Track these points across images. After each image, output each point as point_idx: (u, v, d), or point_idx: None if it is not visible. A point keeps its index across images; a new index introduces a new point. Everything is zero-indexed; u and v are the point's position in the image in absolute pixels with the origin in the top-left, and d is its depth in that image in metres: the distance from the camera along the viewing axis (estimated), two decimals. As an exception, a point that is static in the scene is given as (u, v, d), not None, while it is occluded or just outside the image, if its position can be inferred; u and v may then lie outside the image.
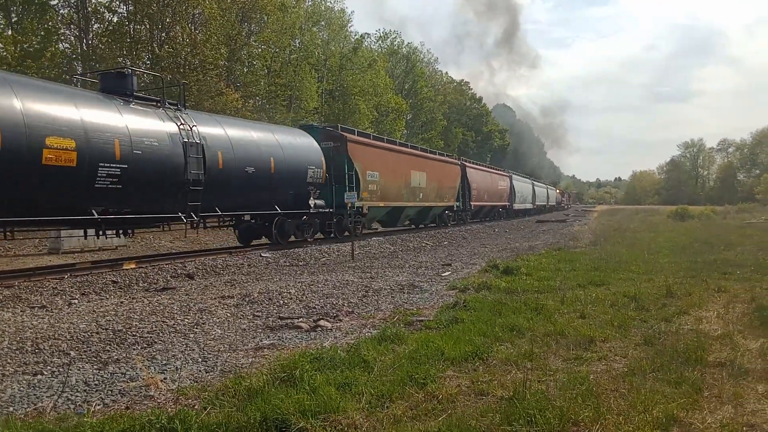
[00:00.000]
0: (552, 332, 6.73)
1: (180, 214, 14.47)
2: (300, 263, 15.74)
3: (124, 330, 7.21)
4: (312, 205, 19.35)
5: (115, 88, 13.99)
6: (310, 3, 47.89)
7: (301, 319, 7.91)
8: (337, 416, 4.21)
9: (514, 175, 53.21)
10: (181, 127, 14.40)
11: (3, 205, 10.78)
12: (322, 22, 48.31)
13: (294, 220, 19.07)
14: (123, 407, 4.63)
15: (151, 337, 6.92)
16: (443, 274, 12.60)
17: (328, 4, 49.22)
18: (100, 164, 12.00)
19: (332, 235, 21.09)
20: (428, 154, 32.48)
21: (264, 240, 18.93)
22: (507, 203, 47.85)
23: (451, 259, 16.03)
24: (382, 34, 63.70)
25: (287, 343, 6.64)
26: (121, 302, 9.42)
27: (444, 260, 15.60)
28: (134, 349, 6.41)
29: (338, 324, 7.70)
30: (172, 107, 14.93)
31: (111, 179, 12.25)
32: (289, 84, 39.53)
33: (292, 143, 18.92)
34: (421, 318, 7.80)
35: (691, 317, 7.71)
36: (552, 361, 5.71)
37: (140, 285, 11.74)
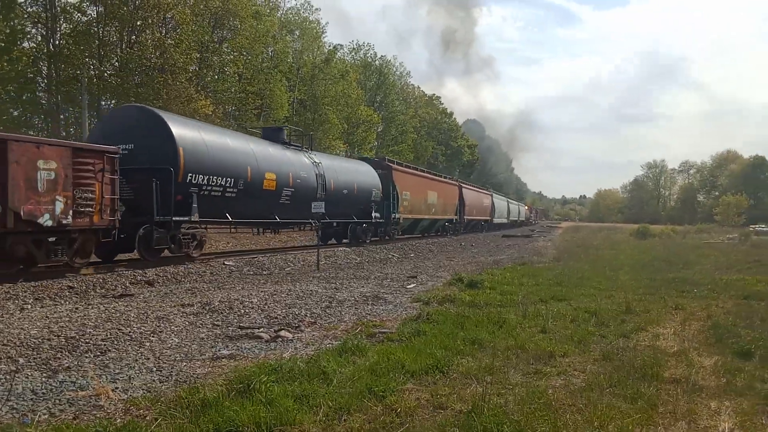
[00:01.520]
0: (513, 346, 6.76)
1: (311, 221, 21.32)
2: (264, 272, 15.56)
3: (77, 337, 6.99)
4: (374, 217, 26.57)
5: (274, 137, 21.09)
6: (284, 12, 47.86)
7: (262, 329, 7.79)
8: (293, 429, 4.14)
9: (494, 194, 62.15)
10: (314, 163, 21.74)
11: (249, 213, 18.02)
12: (296, 32, 48.24)
13: (362, 227, 25.96)
14: (70, 417, 4.47)
15: (105, 344, 6.72)
16: (408, 287, 12.59)
17: (302, 14, 49.22)
18: (284, 188, 19.30)
19: (386, 237, 28.94)
20: (439, 177, 40.83)
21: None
22: (489, 217, 55.15)
23: (417, 271, 16.04)
24: (355, 46, 63.97)
25: (246, 354, 6.52)
26: (76, 308, 9.15)
27: (410, 272, 15.60)
28: (86, 357, 6.21)
29: (299, 335, 7.60)
30: (306, 149, 22.72)
31: (287, 197, 19.50)
32: (261, 92, 39.29)
33: (363, 172, 26.52)
34: (383, 330, 7.75)
35: (649, 334, 7.83)
36: (512, 375, 5.72)
37: (97, 291, 11.43)
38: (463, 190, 44.61)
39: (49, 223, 11.88)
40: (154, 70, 31.88)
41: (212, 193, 16.04)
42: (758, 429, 4.40)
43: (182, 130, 15.40)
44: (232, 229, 20.36)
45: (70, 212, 12.34)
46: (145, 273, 13.51)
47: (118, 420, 4.32)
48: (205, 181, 15.72)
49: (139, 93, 31.21)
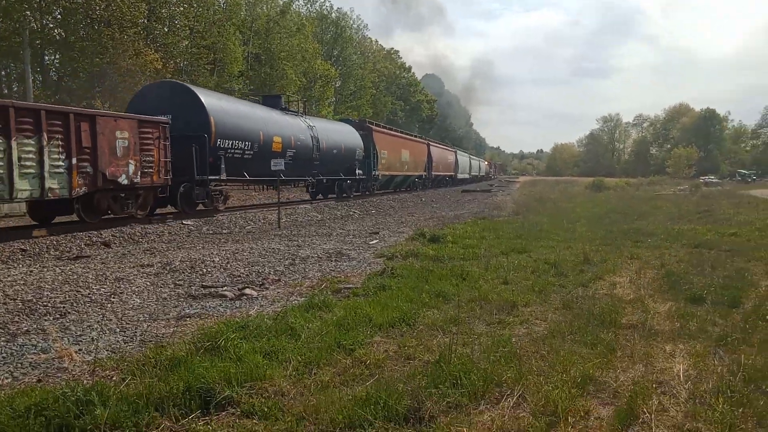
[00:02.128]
0: (476, 298, 6.89)
1: (308, 178, 25.25)
2: (224, 231, 15.38)
3: (34, 300, 6.81)
4: (357, 174, 29.78)
5: (274, 104, 23.60)
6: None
7: (226, 287, 7.73)
8: (264, 384, 4.14)
9: (458, 151, 65.37)
10: (308, 126, 24.39)
11: (259, 172, 20.17)
12: (249, -17, 46.62)
13: (347, 183, 28.97)
14: (34, 380, 4.39)
15: (64, 307, 6.57)
16: (371, 243, 12.63)
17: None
18: (288, 150, 22.06)
19: (367, 192, 31.83)
20: (411, 137, 43.68)
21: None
22: (453, 173, 58.03)
23: (379, 227, 16.09)
24: (310, -2, 62.24)
25: (211, 312, 6.47)
26: (31, 271, 8.90)
27: (372, 229, 15.65)
28: (46, 320, 6.07)
29: (264, 292, 7.57)
30: (302, 114, 25.58)
31: (290, 158, 22.08)
32: (213, 46, 38.05)
33: (348, 133, 29.26)
34: (348, 285, 7.79)
35: (606, 282, 8.08)
36: (476, 326, 5.85)
37: (51, 253, 11.13)
38: (431, 148, 47.40)
39: (125, 182, 14.84)
40: (100, 23, 30.47)
41: (234, 155, 18.90)
42: (710, 369, 4.61)
43: (212, 102, 18.28)
44: (245, 186, 25.16)
45: (139, 173, 15.23)
46: (101, 234, 13.19)
47: (85, 381, 4.25)
48: (230, 145, 18.59)
49: (84, 47, 29.88)
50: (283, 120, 22.78)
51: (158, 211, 17.60)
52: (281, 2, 49.61)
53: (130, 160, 14.84)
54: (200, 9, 37.66)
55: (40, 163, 12.38)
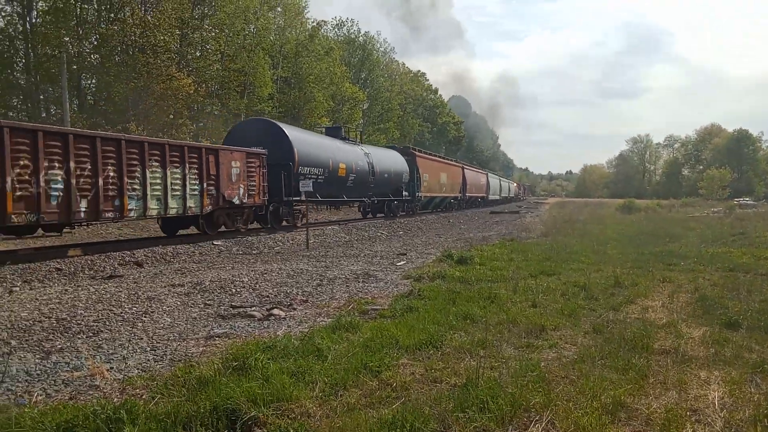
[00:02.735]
0: (504, 320, 6.82)
1: (365, 199, 28.85)
2: (253, 251, 15.53)
3: (68, 318, 6.96)
4: (404, 195, 33.11)
5: (336, 134, 27.73)
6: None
7: (254, 307, 7.79)
8: (290, 404, 4.15)
9: (489, 173, 69.58)
10: (364, 153, 28.10)
11: (329, 193, 24.05)
12: (278, 8, 47.52)
13: (394, 203, 32.25)
14: (66, 397, 4.47)
15: (97, 325, 6.69)
16: (398, 264, 12.63)
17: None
18: (350, 174, 25.56)
19: (410, 212, 34.69)
20: (448, 161, 48.56)
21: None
22: (485, 194, 61.01)
23: (406, 248, 16.08)
24: (338, 22, 63.28)
25: (239, 332, 6.53)
26: (66, 290, 9.10)
27: (399, 250, 15.64)
28: (79, 338, 6.19)
29: (292, 313, 7.61)
30: (358, 143, 30.63)
31: (351, 181, 25.85)
32: (243, 70, 38.80)
33: (395, 158, 32.72)
34: (375, 307, 7.79)
35: (638, 306, 7.93)
36: (504, 349, 5.78)
37: (86, 272, 11.37)
38: (465, 171, 50.82)
39: (237, 201, 18.43)
40: (134, 48, 31.34)
41: (308, 178, 21.13)
42: (746, 397, 4.48)
43: (294, 135, 22.13)
44: (315, 207, 29.12)
45: (246, 195, 18.86)
46: (134, 254, 13.43)
47: (115, 399, 4.31)
48: (308, 171, 22.07)
49: (119, 72, 30.72)
50: (345, 148, 26.58)
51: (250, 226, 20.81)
52: (310, 27, 50.46)
53: (240, 185, 18.49)
54: (231, 34, 38.50)
55: (183, 187, 15.91)
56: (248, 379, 4.57)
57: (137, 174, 14.38)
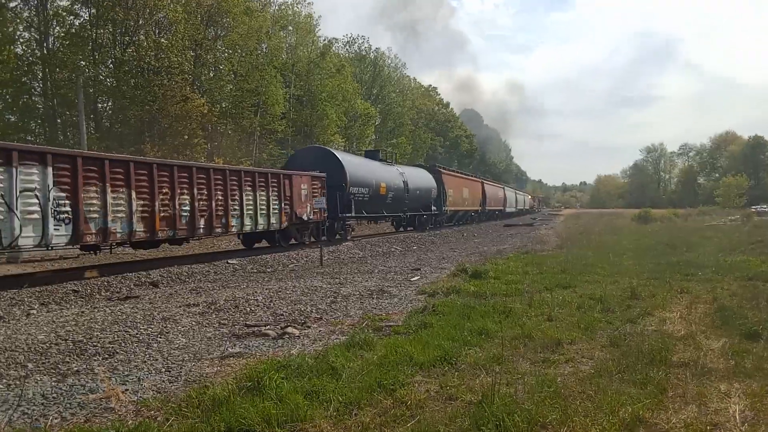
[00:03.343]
0: (520, 335, 6.76)
1: (401, 214, 31.08)
2: (267, 270, 15.57)
3: (84, 340, 7.00)
4: (432, 210, 35.47)
5: (374, 156, 31.11)
6: (276, 7, 47.66)
7: (269, 326, 7.79)
8: (305, 425, 4.14)
9: (505, 187, 71.97)
10: (399, 172, 30.76)
11: (373, 210, 26.67)
12: (290, 27, 48.06)
13: (424, 217, 34.65)
14: (82, 420, 4.48)
15: (112, 347, 6.73)
16: (412, 279, 12.59)
17: (295, 8, 49.02)
18: (389, 192, 28.18)
19: (437, 225, 36.78)
20: (469, 176, 50.62)
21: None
22: (502, 207, 62.57)
23: (420, 263, 16.04)
24: (349, 39, 63.81)
25: (254, 351, 6.53)
26: (82, 312, 9.16)
27: (413, 265, 15.60)
28: (95, 360, 6.22)
29: (306, 331, 7.60)
30: (393, 163, 32.76)
31: (390, 199, 28.50)
32: (256, 89, 39.21)
33: (424, 175, 35.31)
34: (390, 323, 7.76)
35: (655, 318, 7.83)
36: (520, 364, 5.73)
37: (102, 294, 11.45)
38: (485, 185, 53.58)
39: (305, 218, 21.21)
40: (149, 71, 31.81)
41: (358, 198, 25.05)
42: (769, 410, 4.39)
43: (346, 159, 25.29)
44: (360, 222, 31.86)
45: (312, 213, 21.68)
46: (149, 275, 13.53)
47: (130, 421, 4.33)
48: (357, 191, 24.89)
49: (135, 95, 31.16)
50: (383, 169, 29.57)
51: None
52: (321, 45, 50.92)
53: (307, 204, 21.35)
54: (243, 54, 38.96)
55: (267, 207, 18.77)
56: (262, 399, 4.57)
57: (237, 197, 17.34)
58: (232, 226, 17.05)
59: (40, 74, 32.96)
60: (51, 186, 11.47)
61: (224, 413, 4.25)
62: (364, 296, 10.22)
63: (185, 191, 15.17)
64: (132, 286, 12.34)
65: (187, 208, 15.21)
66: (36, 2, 31.72)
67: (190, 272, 14.23)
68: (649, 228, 34.94)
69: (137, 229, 13.61)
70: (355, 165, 25.83)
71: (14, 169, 10.76)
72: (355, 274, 13.73)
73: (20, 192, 10.90)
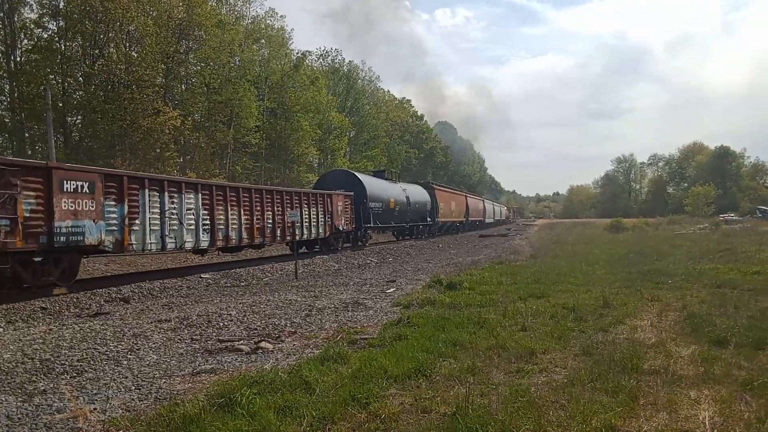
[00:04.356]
0: (494, 346, 6.78)
1: (404, 225, 35.11)
2: (242, 284, 15.42)
3: (52, 359, 6.83)
4: (428, 221, 40.15)
5: (381, 176, 35.67)
6: (249, 21, 47.56)
7: (242, 341, 7.70)
8: (277, 441, 4.08)
9: (485, 199, 77.61)
10: (402, 189, 35.36)
11: (386, 222, 31.83)
12: (263, 40, 47.99)
13: (419, 228, 39.25)
14: (48, 442, 4.36)
15: (81, 365, 6.57)
16: (388, 291, 12.57)
17: (267, 21, 48.99)
18: (397, 206, 32.97)
19: (431, 235, 41.53)
20: (455, 191, 56.35)
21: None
22: (482, 218, 66.37)
23: (396, 275, 16.04)
24: (323, 52, 63.95)
25: (227, 367, 6.43)
26: (50, 329, 8.94)
27: (389, 277, 15.59)
28: (63, 379, 6.07)
29: (280, 345, 7.53)
30: (397, 181, 38.02)
31: (397, 212, 33.04)
32: (229, 102, 38.99)
33: (421, 192, 39.89)
34: (365, 336, 7.72)
35: (627, 326, 7.93)
36: (494, 375, 5.74)
37: (71, 311, 11.22)
38: (468, 198, 58.20)
39: (341, 228, 25.70)
40: (120, 84, 31.43)
41: (375, 211, 29.91)
42: (737, 416, 4.47)
43: (365, 179, 30.38)
44: (374, 232, 34.26)
45: (346, 224, 26.34)
46: (120, 290, 13.29)
47: (98, 442, 4.22)
48: (374, 206, 29.77)
49: (105, 109, 30.75)
50: (390, 186, 34.50)
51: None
52: (294, 58, 50.91)
53: (342, 217, 25.84)
54: (216, 67, 38.75)
55: (317, 219, 23.51)
56: (234, 416, 4.50)
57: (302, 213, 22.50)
58: (296, 234, 21.71)
59: (7, 87, 32.37)
60: (200, 207, 16.20)
61: (194, 431, 4.17)
62: (339, 309, 10.17)
63: (269, 209, 19.76)
64: (102, 303, 12.11)
65: (270, 221, 19.80)
66: (2, 15, 31.20)
67: (162, 287, 14.01)
68: (621, 237, 35.46)
69: (244, 237, 18.21)
70: (372, 184, 30.84)
71: (182, 195, 15.44)
72: (330, 287, 13.67)
73: (185, 211, 15.50)
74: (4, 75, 31.83)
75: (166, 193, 14.82)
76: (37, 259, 11.90)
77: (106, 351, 7.25)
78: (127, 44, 33.79)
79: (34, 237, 11.34)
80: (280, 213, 20.27)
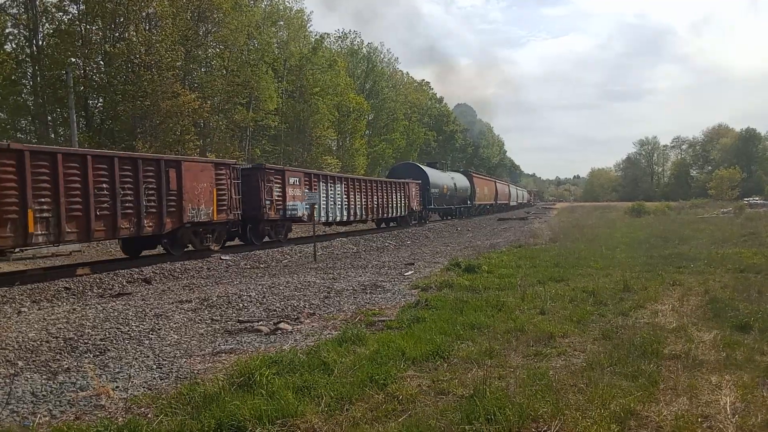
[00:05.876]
0: (513, 329, 6.76)
1: (452, 207, 43.33)
2: (261, 265, 15.53)
3: (75, 338, 6.96)
4: (468, 203, 47.38)
5: (433, 165, 43.74)
6: (267, 3, 47.38)
7: (261, 322, 7.77)
8: (295, 420, 4.12)
9: (510, 184, 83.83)
10: (450, 177, 43.97)
11: (440, 204, 40.32)
12: (281, 22, 47.82)
13: (461, 209, 46.06)
14: (72, 418, 4.46)
15: (104, 344, 6.69)
16: (406, 274, 12.58)
17: (286, 3, 48.77)
18: (449, 191, 42.11)
19: (470, 216, 47.76)
20: (487, 177, 64.69)
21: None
22: (507, 201, 71.83)
23: (414, 258, 16.04)
24: (341, 34, 63.57)
25: (246, 347, 6.50)
26: (74, 309, 9.11)
27: (407, 259, 15.60)
28: (86, 358, 6.18)
29: (299, 326, 7.58)
30: (447, 170, 49.72)
31: (448, 197, 41.89)
32: (247, 83, 38.98)
33: (462, 179, 46.99)
34: (383, 318, 7.75)
35: (647, 311, 7.85)
36: (512, 358, 5.73)
37: (94, 291, 11.40)
38: (497, 183, 65.76)
39: (414, 208, 34.23)
40: (140, 67, 31.57)
41: (434, 195, 37.20)
42: (759, 402, 4.41)
43: (428, 171, 38.05)
44: (432, 213, 40.36)
45: (417, 205, 34.96)
46: (142, 271, 13.47)
47: (120, 419, 4.30)
48: (433, 191, 36.92)
49: (126, 91, 30.95)
50: (442, 175, 41.96)
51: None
52: (313, 40, 50.70)
53: (415, 200, 34.22)
54: (235, 49, 38.72)
55: (400, 202, 31.93)
56: (253, 395, 4.55)
57: (392, 197, 30.96)
58: (391, 213, 30.58)
59: (30, 72, 32.69)
60: (343, 193, 25.13)
61: (214, 409, 4.23)
62: (357, 291, 10.21)
63: (377, 194, 28.75)
64: (124, 283, 12.28)
65: (377, 203, 28.49)
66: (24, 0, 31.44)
67: (183, 269, 14.17)
68: (642, 221, 35.04)
69: (363, 214, 27.04)
70: (431, 173, 38.25)
71: (335, 186, 24.52)
72: (349, 269, 13.72)
73: (337, 196, 24.33)
74: (27, 59, 32.12)
75: (329, 184, 23.89)
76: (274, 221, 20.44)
77: (128, 331, 7.37)
78: (147, 27, 33.88)
79: (278, 212, 20.22)
80: (379, 197, 28.85)
